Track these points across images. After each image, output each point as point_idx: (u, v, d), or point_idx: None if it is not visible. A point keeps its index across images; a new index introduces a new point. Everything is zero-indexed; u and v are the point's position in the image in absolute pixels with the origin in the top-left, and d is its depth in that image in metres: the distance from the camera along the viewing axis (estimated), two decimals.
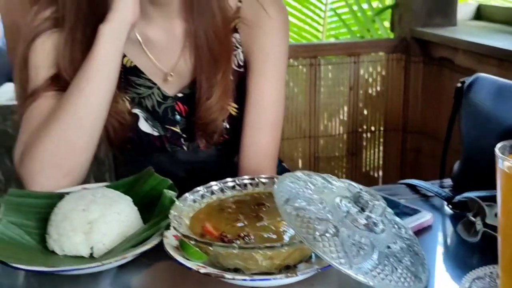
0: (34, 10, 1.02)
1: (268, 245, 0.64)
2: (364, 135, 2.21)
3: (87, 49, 0.94)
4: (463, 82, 0.93)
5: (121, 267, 0.72)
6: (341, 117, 2.17)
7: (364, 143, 2.23)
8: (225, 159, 1.15)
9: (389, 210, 0.72)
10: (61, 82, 0.98)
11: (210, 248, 0.66)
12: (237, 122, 1.07)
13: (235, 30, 1.05)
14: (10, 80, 2.84)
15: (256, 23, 1.04)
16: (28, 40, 1.00)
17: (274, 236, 0.70)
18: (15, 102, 1.67)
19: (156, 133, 1.09)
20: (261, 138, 1.05)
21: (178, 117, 1.08)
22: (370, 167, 2.24)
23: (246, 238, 0.69)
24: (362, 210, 0.66)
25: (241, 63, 1.06)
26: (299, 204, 0.66)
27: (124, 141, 1.09)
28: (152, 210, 0.82)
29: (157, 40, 1.04)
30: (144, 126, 1.08)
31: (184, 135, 1.10)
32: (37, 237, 0.78)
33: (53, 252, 0.75)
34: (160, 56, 1.05)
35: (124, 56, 1.03)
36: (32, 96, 0.97)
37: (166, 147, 1.10)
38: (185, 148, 1.11)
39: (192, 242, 0.67)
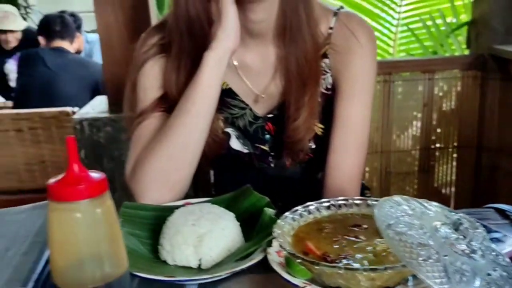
0: (143, 37, 1.11)
1: (372, 267, 0.69)
2: (437, 152, 2.21)
3: (191, 73, 1.02)
4: None
5: (225, 279, 0.78)
6: (414, 133, 2.18)
7: (437, 160, 2.22)
8: (309, 176, 1.20)
9: (487, 237, 0.74)
10: (167, 103, 1.06)
11: (316, 267, 0.70)
12: (322, 142, 1.11)
13: (325, 55, 1.10)
14: (97, 93, 3.01)
15: (346, 49, 1.08)
16: (138, 65, 1.08)
17: (373, 257, 0.74)
18: (107, 115, 1.78)
19: (246, 151, 1.15)
20: (346, 160, 1.09)
21: (267, 136, 1.14)
22: (442, 184, 2.23)
23: (348, 258, 0.73)
24: (464, 237, 0.69)
25: (329, 86, 1.11)
26: (401, 229, 0.70)
27: (217, 157, 1.16)
28: (251, 226, 0.88)
29: (252, 65, 1.11)
30: (235, 144, 1.15)
31: (272, 153, 1.15)
32: (149, 247, 0.86)
33: (164, 262, 0.82)
34: (253, 79, 1.12)
35: None
36: (141, 115, 1.06)
37: (255, 164, 1.16)
38: (272, 165, 1.17)
39: (298, 260, 0.72)
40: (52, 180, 0.59)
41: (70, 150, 0.60)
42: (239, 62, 1.10)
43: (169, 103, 1.06)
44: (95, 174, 0.61)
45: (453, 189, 2.23)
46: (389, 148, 2.19)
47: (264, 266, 0.78)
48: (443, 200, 2.24)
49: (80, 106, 2.65)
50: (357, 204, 0.87)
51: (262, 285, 0.79)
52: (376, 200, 0.84)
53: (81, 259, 0.60)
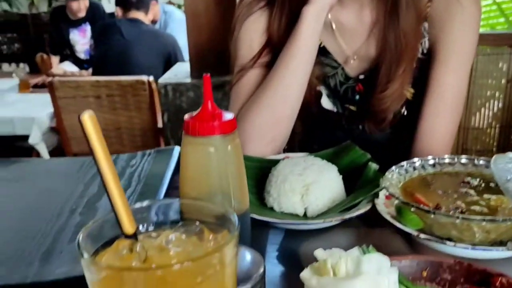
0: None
1: (491, 218, 0.69)
2: None
3: (292, 26, 1.03)
4: None
5: (330, 229, 0.80)
6: (495, 109, 2.12)
7: None
8: (398, 140, 1.19)
9: None
10: (268, 58, 1.08)
11: (431, 216, 0.71)
12: (412, 106, 1.10)
13: (425, 18, 1.07)
14: (169, 63, 3.08)
15: (447, 12, 1.05)
16: (240, 19, 1.10)
17: (488, 211, 0.74)
18: (189, 80, 1.82)
19: (335, 110, 1.16)
20: (438, 125, 1.07)
21: (357, 97, 1.14)
22: None
23: (460, 210, 0.73)
24: None
25: (425, 51, 1.09)
26: None
27: (307, 115, 1.17)
28: (352, 180, 0.89)
29: (347, 24, 1.11)
30: (326, 102, 1.16)
31: (361, 113, 1.15)
32: (256, 194, 0.88)
33: (271, 209, 0.85)
34: (347, 39, 1.12)
35: None
36: (242, 70, 1.08)
37: (343, 124, 1.17)
38: (360, 127, 1.17)
39: (413, 209, 0.73)
40: (187, 116, 0.62)
41: (205, 88, 0.62)
42: (335, 20, 1.11)
43: (269, 57, 1.08)
44: (225, 113, 0.63)
45: None
46: (467, 125, 2.14)
47: (367, 219, 0.80)
48: None
49: (154, 75, 2.73)
50: (463, 163, 0.87)
51: (367, 237, 0.80)
52: (485, 160, 0.84)
53: (211, 193, 0.63)
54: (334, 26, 1.11)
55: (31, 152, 3.04)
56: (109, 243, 0.39)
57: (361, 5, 1.09)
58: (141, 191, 0.83)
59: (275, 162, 0.89)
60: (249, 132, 1.02)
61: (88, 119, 0.39)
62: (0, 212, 0.78)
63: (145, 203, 0.43)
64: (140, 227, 0.41)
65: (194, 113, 0.63)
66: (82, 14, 4.16)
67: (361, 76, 1.13)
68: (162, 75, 3.15)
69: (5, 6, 6.10)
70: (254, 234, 0.68)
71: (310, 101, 1.15)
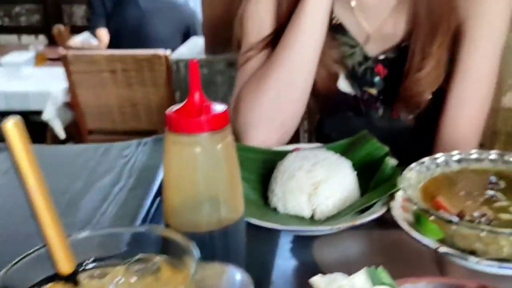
0: None
1: None
2: None
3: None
4: None
5: (340, 233, 0.71)
6: None
7: None
8: (423, 129, 1.09)
9: None
10: (274, 40, 0.99)
11: (452, 226, 0.62)
12: (439, 91, 1.00)
13: None
14: (187, 36, 2.98)
15: None
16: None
17: None
18: (203, 56, 1.74)
19: (353, 93, 1.06)
20: (465, 113, 0.97)
21: (377, 79, 1.04)
22: None
23: (488, 219, 0.64)
24: None
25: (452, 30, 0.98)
26: None
27: (323, 98, 1.08)
28: (367, 177, 0.80)
29: (368, 0, 1.01)
30: (343, 85, 1.07)
31: (381, 98, 1.06)
32: (259, 193, 0.80)
33: (274, 209, 0.76)
34: (367, 15, 1.02)
35: (332, 13, 1.01)
36: (250, 50, 0.99)
37: (361, 109, 1.08)
38: (380, 112, 1.07)
39: (432, 218, 0.64)
40: (171, 109, 0.54)
41: (192, 76, 0.54)
42: None
43: (276, 39, 0.98)
44: (216, 105, 0.54)
45: None
46: (497, 105, 2.01)
47: (383, 222, 0.71)
48: None
49: (171, 49, 2.64)
50: (491, 160, 0.77)
51: (382, 243, 0.72)
52: None
53: (198, 199, 0.54)
54: (353, 3, 1.01)
55: (46, 127, 3.00)
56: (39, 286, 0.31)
57: None
58: (131, 186, 0.76)
59: (283, 154, 0.81)
60: (254, 117, 0.95)
61: (12, 128, 0.31)
62: None
63: (89, 233, 0.34)
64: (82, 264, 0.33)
65: (180, 105, 0.54)
66: None
67: (381, 57, 1.03)
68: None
69: None
70: (261, 235, 0.62)
71: (327, 84, 1.05)
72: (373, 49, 1.03)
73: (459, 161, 0.77)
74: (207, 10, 1.72)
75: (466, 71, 0.96)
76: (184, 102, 0.53)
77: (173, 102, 2.69)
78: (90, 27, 3.99)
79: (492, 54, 0.98)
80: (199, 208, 0.54)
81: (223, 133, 0.54)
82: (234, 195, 0.57)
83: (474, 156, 0.77)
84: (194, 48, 1.87)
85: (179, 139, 0.53)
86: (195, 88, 0.53)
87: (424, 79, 0.97)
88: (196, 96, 0.53)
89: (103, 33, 3.93)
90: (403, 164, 0.75)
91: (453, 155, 0.77)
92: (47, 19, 5.38)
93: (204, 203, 0.54)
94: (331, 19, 1.02)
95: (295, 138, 1.09)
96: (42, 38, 5.45)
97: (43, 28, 5.46)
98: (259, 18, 1.01)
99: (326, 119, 1.16)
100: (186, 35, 3.07)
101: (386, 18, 1.01)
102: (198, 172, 0.53)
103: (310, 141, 1.24)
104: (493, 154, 0.77)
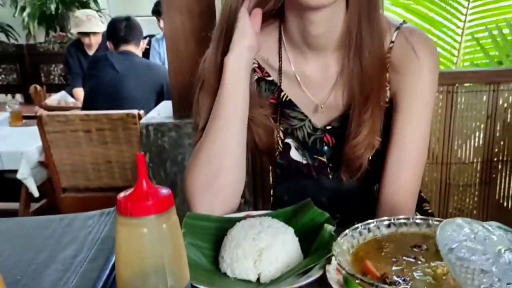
0: (207, 53, 1.13)
1: None
2: (499, 164, 2.13)
3: None
4: None
5: None
6: (476, 144, 2.12)
7: (498, 173, 2.14)
8: (367, 188, 1.19)
9: None
10: None
11: None
12: (379, 154, 1.10)
13: (386, 68, 1.08)
14: (161, 94, 3.11)
15: (406, 65, 1.06)
16: (200, 79, 1.11)
17: (433, 281, 0.73)
18: (171, 120, 1.83)
19: (304, 161, 1.16)
20: (402, 176, 1.07)
21: (325, 148, 1.14)
22: (504, 197, 2.16)
23: (407, 281, 0.73)
24: None
25: (387, 100, 1.09)
26: (463, 254, 0.69)
27: (278, 166, 1.17)
28: (310, 241, 0.88)
29: (311, 76, 1.11)
30: (295, 154, 1.16)
31: (330, 165, 1.16)
32: (211, 258, 0.88)
33: (224, 274, 0.84)
34: (313, 90, 1.12)
35: (281, 91, 1.13)
36: (202, 130, 1.08)
37: (313, 175, 1.17)
38: (330, 176, 1.17)
39: (357, 281, 0.72)
40: (121, 195, 0.62)
41: (140, 167, 0.62)
42: (299, 73, 1.11)
43: None
44: (162, 190, 0.63)
45: None
46: (449, 160, 2.14)
47: (321, 283, 0.79)
48: (504, 213, 2.17)
49: (145, 107, 2.74)
50: (417, 224, 0.86)
51: None
52: (438, 221, 0.84)
53: (146, 272, 0.63)
54: (299, 79, 1.12)
55: (21, 185, 3.04)
56: None
57: (324, 57, 1.10)
58: (92, 257, 0.83)
59: (234, 221, 0.89)
60: (193, 185, 1.03)
61: None
62: None
63: None
64: None
65: (129, 191, 0.63)
66: (93, 49, 4.29)
67: (328, 127, 1.13)
68: (155, 107, 3.17)
69: (2, 37, 6.19)
70: None
71: (279, 154, 1.15)
72: (320, 120, 1.14)
73: (388, 225, 0.86)
74: (174, 76, 1.83)
75: (402, 138, 1.07)
76: (133, 188, 0.62)
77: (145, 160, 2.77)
78: (67, 86, 4.11)
79: (423, 124, 1.08)
80: (147, 280, 0.62)
81: (168, 215, 0.63)
82: (179, 266, 0.65)
83: (402, 220, 0.86)
84: (163, 111, 1.96)
85: (128, 221, 0.61)
86: (143, 176, 0.62)
87: (362, 143, 1.07)
88: (144, 183, 0.62)
89: (80, 92, 4.06)
90: (352, 223, 0.84)
91: (383, 220, 0.86)
92: (24, 78, 5.48)
93: (152, 275, 0.62)
94: (281, 96, 1.13)
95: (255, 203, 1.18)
96: (18, 97, 5.54)
97: (19, 87, 5.55)
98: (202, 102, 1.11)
99: (279, 183, 1.26)
100: (160, 93, 3.19)
101: (329, 91, 1.12)
102: (146, 249, 0.62)
103: (264, 203, 1.33)
104: (418, 219, 0.86)
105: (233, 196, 1.06)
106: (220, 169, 1.03)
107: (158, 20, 4.62)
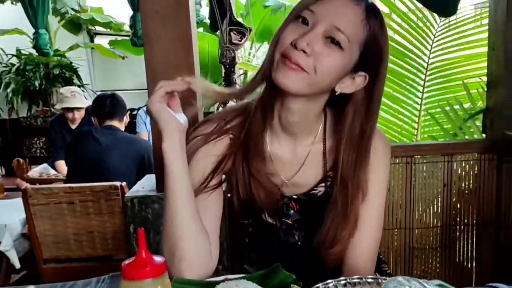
0: (196, 125, 1.31)
1: None
2: (458, 229, 2.33)
3: None
4: None
5: None
6: (435, 210, 2.32)
7: (458, 236, 2.34)
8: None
9: None
10: (215, 181, 1.27)
11: None
12: None
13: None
14: (142, 166, 3.27)
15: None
16: (195, 148, 1.27)
17: None
18: (155, 193, 1.99)
19: (274, 223, 1.34)
20: (363, 243, 1.25)
21: (291, 211, 1.33)
22: (464, 259, 2.34)
23: None
24: None
25: None
26: None
27: (251, 227, 1.35)
28: None
29: (283, 157, 1.30)
30: (266, 217, 1.34)
31: (296, 225, 1.34)
32: None
33: None
34: (281, 167, 1.30)
35: None
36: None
37: (281, 236, 1.35)
38: (296, 237, 1.35)
39: None
40: (125, 262, 0.78)
41: (140, 240, 0.79)
42: (271, 151, 1.29)
43: (217, 181, 1.27)
44: (157, 258, 0.80)
45: (474, 264, 2.33)
46: (412, 225, 2.33)
47: None
48: (465, 274, 2.35)
49: (126, 178, 2.88)
50: (369, 282, 1.02)
51: None
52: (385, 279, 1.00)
53: None
54: (272, 158, 1.30)
55: (2, 255, 3.11)
56: None
57: (294, 141, 1.28)
58: None
59: (214, 284, 1.04)
60: (164, 251, 1.16)
61: None
62: None
63: None
64: None
65: (131, 259, 0.79)
66: (76, 123, 4.50)
67: (294, 196, 1.32)
68: (135, 178, 3.33)
69: None
70: None
71: (252, 216, 1.33)
72: (288, 191, 1.32)
73: (345, 284, 1.02)
74: (157, 152, 1.99)
75: (361, 220, 1.25)
76: (134, 257, 0.78)
77: (128, 229, 2.89)
78: (49, 159, 4.25)
79: (379, 206, 1.28)
80: None
81: (162, 278, 0.79)
82: None
83: (356, 280, 1.03)
84: (147, 185, 2.12)
85: (131, 284, 0.77)
86: (142, 247, 0.79)
87: (335, 255, 1.25)
88: (143, 253, 0.79)
89: (62, 165, 4.22)
90: (318, 280, 0.99)
91: (340, 280, 1.02)
92: (6, 151, 5.59)
93: None
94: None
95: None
96: (0, 170, 5.63)
97: (1, 160, 5.66)
98: (203, 166, 1.27)
99: (251, 243, 1.43)
100: (140, 165, 3.35)
101: (296, 171, 1.30)
102: None
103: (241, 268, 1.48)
104: (370, 278, 1.03)
105: (199, 263, 1.17)
106: (177, 239, 1.15)
107: None
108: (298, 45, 1.07)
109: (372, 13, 1.12)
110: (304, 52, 1.07)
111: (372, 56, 1.14)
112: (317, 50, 1.08)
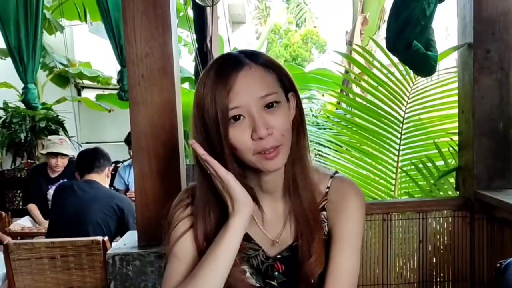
0: (179, 196, 1.36)
1: None
2: (434, 284, 2.38)
3: (217, 227, 1.26)
4: (501, 264, 1.16)
5: None
6: (412, 266, 2.37)
7: None
8: None
9: None
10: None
11: None
12: (321, 277, 1.33)
13: (324, 208, 1.35)
14: (122, 220, 3.31)
15: (339, 207, 1.34)
16: (173, 224, 1.32)
17: None
18: (136, 250, 2.03)
19: (258, 285, 1.37)
20: None
21: (276, 273, 1.36)
22: None
23: None
24: None
25: (326, 233, 1.35)
26: None
27: None
28: None
29: (265, 216, 1.35)
30: (250, 279, 1.37)
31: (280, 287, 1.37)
32: None
33: None
34: (267, 227, 1.36)
35: None
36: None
37: None
38: None
39: None
40: None
41: None
42: (255, 213, 1.33)
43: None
44: None
45: None
46: (390, 281, 2.37)
47: None
48: None
49: (107, 230, 2.90)
50: None
51: None
52: None
53: None
54: (256, 219, 1.35)
55: None
56: None
57: (275, 200, 1.35)
58: None
59: None
60: None
61: None
62: None
63: None
64: None
65: None
66: (59, 170, 4.55)
67: (279, 256, 1.36)
68: (114, 231, 3.36)
69: None
70: None
71: (236, 278, 1.36)
72: (273, 251, 1.37)
73: None
74: (141, 211, 2.04)
75: (337, 267, 1.31)
76: None
77: (106, 284, 2.89)
78: (24, 204, 4.30)
79: (354, 255, 1.33)
80: None
81: None
82: None
83: None
84: (129, 242, 2.15)
85: None
86: None
87: (314, 263, 1.30)
88: None
89: (34, 208, 4.30)
90: None
91: None
92: None
93: None
94: None
95: None
96: None
97: None
98: (184, 236, 1.31)
99: None
100: (120, 218, 3.39)
101: (281, 228, 1.36)
102: None
103: None
104: None
105: None
106: None
107: (129, 148, 4.94)
108: (262, 135, 1.17)
109: (264, 59, 1.24)
110: (270, 134, 1.18)
111: (285, 78, 1.26)
112: (271, 123, 1.18)
